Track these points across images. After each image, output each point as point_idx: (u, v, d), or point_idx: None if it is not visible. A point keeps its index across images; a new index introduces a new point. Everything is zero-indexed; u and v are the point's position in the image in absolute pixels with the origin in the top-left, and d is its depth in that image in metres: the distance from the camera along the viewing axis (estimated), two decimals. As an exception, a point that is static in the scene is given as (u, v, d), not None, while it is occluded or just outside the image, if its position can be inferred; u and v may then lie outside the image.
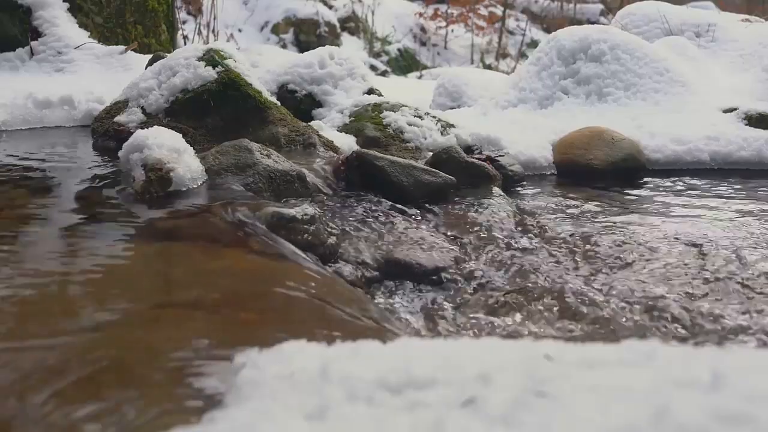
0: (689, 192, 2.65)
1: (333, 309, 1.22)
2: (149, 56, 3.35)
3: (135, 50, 4.02)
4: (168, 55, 2.78)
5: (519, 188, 2.57)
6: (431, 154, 2.51)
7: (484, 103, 3.81)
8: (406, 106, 2.93)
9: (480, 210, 2.05)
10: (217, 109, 2.44)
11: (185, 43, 5.95)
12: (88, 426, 0.74)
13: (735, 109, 3.39)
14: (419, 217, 1.95)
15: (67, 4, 4.07)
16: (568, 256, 1.82)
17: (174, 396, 0.80)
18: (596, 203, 2.40)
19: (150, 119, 2.45)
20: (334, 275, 1.48)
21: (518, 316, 1.46)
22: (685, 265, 1.77)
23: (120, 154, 1.87)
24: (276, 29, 11.25)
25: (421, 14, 13.14)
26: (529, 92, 3.68)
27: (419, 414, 0.60)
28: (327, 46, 3.44)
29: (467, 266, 1.69)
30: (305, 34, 11.15)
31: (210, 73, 2.47)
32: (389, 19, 12.66)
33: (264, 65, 3.42)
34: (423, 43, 12.85)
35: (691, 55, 4.12)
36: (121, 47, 3.95)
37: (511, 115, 3.46)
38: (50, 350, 0.91)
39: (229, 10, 10.16)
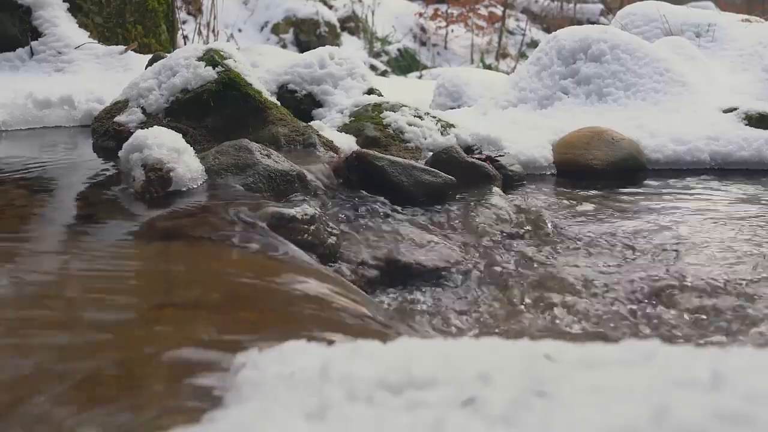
0: (689, 192, 2.65)
1: (333, 309, 1.22)
2: (149, 56, 3.35)
3: (135, 50, 4.03)
4: (168, 55, 2.78)
5: (519, 188, 2.57)
6: (431, 154, 2.51)
7: (484, 103, 3.81)
8: (406, 106, 2.93)
9: (480, 210, 2.05)
10: (217, 109, 2.44)
11: (185, 43, 5.95)
12: (88, 426, 0.74)
13: (735, 109, 3.39)
14: (419, 217, 1.95)
15: (67, 4, 4.07)
16: (568, 255, 1.82)
17: (174, 396, 0.80)
18: (596, 203, 2.40)
19: (150, 119, 2.45)
20: (334, 275, 1.48)
21: (518, 316, 1.46)
22: (686, 263, 1.77)
23: (120, 154, 1.87)
24: (276, 29, 11.24)
25: (421, 14, 13.14)
26: (529, 92, 3.68)
27: (419, 414, 0.60)
28: (327, 46, 3.44)
29: (467, 266, 1.69)
30: (305, 34, 11.15)
31: (210, 73, 2.47)
32: (389, 19, 12.66)
33: (264, 65, 3.42)
34: (423, 43, 12.85)
35: (691, 55, 4.12)
36: (121, 47, 3.95)
37: (511, 115, 3.46)
38: (50, 350, 0.91)
39: (229, 10, 10.16)
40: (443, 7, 13.11)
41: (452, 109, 4.01)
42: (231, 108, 2.45)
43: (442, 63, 12.07)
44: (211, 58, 2.52)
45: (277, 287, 1.26)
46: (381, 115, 2.84)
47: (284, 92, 3.12)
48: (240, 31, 10.74)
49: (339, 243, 1.64)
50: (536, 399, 0.60)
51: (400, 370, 0.67)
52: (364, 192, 2.03)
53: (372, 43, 12.02)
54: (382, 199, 2.00)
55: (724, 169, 3.07)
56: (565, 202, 2.40)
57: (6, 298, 1.11)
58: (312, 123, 2.70)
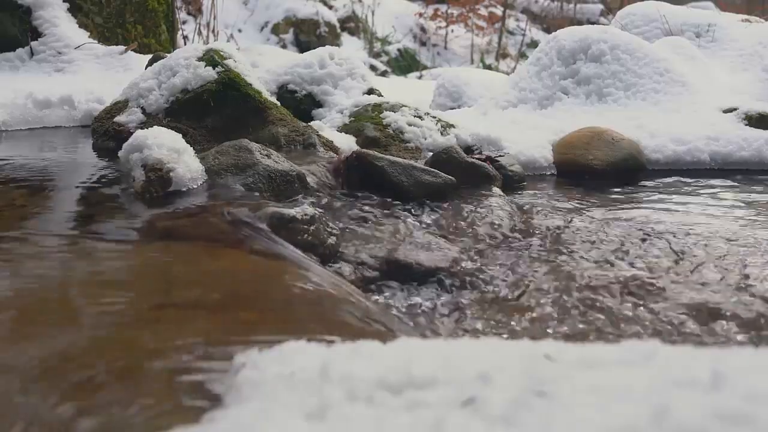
0: (689, 192, 2.65)
1: (333, 309, 1.22)
2: (149, 56, 3.36)
3: (135, 50, 4.03)
4: (168, 55, 2.78)
5: (519, 188, 2.57)
6: (431, 154, 2.51)
7: (484, 103, 3.81)
8: (406, 106, 2.93)
9: (480, 210, 2.05)
10: (217, 109, 2.44)
11: (185, 43, 5.95)
12: (88, 426, 0.74)
13: (735, 109, 3.39)
14: (419, 218, 1.95)
15: (67, 4, 4.07)
16: (568, 255, 1.82)
17: (174, 396, 0.80)
18: (596, 204, 2.40)
19: (150, 119, 2.45)
20: (334, 275, 1.48)
21: (518, 316, 1.46)
22: (686, 263, 1.77)
23: (120, 154, 1.87)
24: (276, 29, 11.24)
25: (421, 14, 13.15)
26: (529, 92, 3.68)
27: (419, 414, 0.60)
28: (327, 46, 3.44)
29: (467, 266, 1.69)
30: (305, 34, 11.15)
31: (210, 73, 2.47)
32: (389, 19, 12.66)
33: (264, 65, 3.42)
34: (423, 43, 12.85)
35: (691, 55, 4.12)
36: (121, 47, 3.96)
37: (511, 115, 3.47)
38: (50, 350, 0.91)
39: (229, 10, 10.16)
40: (443, 7, 13.11)
41: (452, 109, 4.01)
42: (231, 108, 2.45)
43: (442, 63, 12.07)
44: (211, 58, 2.52)
45: (276, 287, 1.26)
46: (381, 115, 2.84)
47: (284, 92, 3.13)
48: (240, 31, 10.74)
49: (339, 243, 1.64)
50: (536, 399, 0.60)
51: (400, 370, 0.67)
52: (364, 192, 2.03)
53: (372, 44, 12.02)
54: (382, 199, 2.00)
55: (724, 170, 3.06)
56: (565, 202, 2.40)
57: (6, 298, 1.11)
58: (312, 123, 2.70)
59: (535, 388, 0.62)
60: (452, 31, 13.15)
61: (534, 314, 1.48)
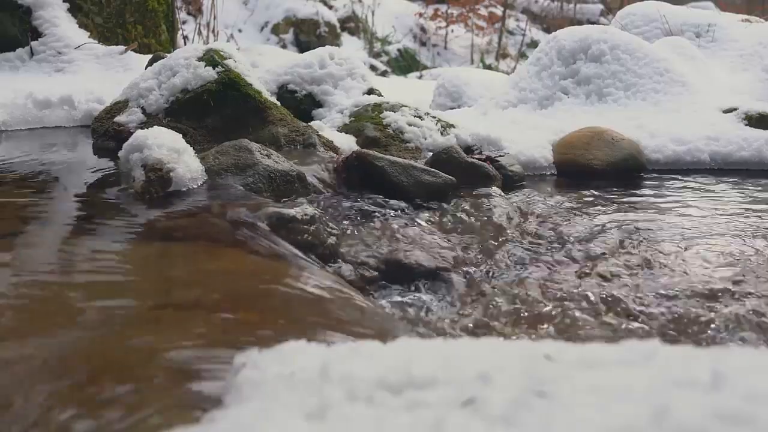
0: (689, 192, 2.65)
1: (333, 309, 1.22)
2: (149, 56, 3.36)
3: (135, 50, 4.03)
4: (168, 55, 2.78)
5: (519, 188, 2.57)
6: (431, 154, 2.51)
7: (484, 103, 3.81)
8: (406, 106, 2.93)
9: (480, 210, 2.05)
10: (217, 109, 2.44)
11: (185, 43, 5.95)
12: (88, 426, 0.74)
13: (735, 109, 3.39)
14: (419, 218, 1.95)
15: (67, 4, 4.07)
16: (568, 256, 1.82)
17: (174, 396, 0.80)
18: (596, 204, 2.40)
19: (150, 119, 2.45)
20: (334, 275, 1.48)
21: (518, 317, 1.46)
22: (686, 264, 1.77)
23: (120, 154, 1.87)
24: (276, 29, 11.24)
25: (421, 14, 13.14)
26: (529, 92, 3.68)
27: (419, 414, 0.60)
28: (327, 46, 3.44)
29: (467, 266, 1.69)
30: (305, 34, 11.15)
31: (210, 73, 2.47)
32: (389, 19, 12.66)
33: (264, 65, 3.42)
34: (423, 43, 12.84)
35: (691, 55, 4.12)
36: (121, 47, 3.96)
37: (511, 115, 3.46)
38: (50, 350, 0.91)
39: (229, 10, 10.15)
40: (443, 7, 13.10)
41: (452, 109, 4.01)
42: (231, 108, 2.45)
43: (442, 63, 12.06)
44: (211, 58, 2.52)
45: (276, 287, 1.26)
46: (381, 115, 2.84)
47: (284, 92, 3.13)
48: (240, 31, 10.74)
49: (339, 243, 1.64)
50: (536, 399, 0.60)
51: (400, 370, 0.67)
52: (364, 192, 2.03)
53: (372, 44, 12.01)
54: (382, 199, 2.00)
55: (724, 170, 3.06)
56: (565, 202, 2.40)
57: (6, 298, 1.11)
58: (312, 123, 2.70)
59: (535, 388, 0.62)
60: (452, 31, 13.14)
61: (535, 314, 1.48)
